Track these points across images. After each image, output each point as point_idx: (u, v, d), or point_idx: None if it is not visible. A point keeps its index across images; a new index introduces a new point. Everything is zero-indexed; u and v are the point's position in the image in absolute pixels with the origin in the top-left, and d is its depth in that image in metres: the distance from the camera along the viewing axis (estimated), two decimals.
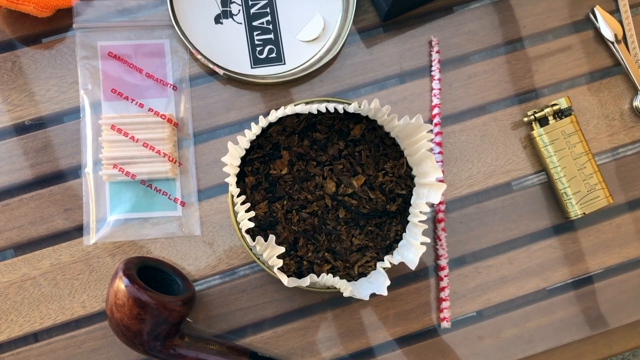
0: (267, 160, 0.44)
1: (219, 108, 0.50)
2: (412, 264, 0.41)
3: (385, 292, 0.40)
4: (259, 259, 0.44)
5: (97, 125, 0.48)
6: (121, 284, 0.40)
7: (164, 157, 0.47)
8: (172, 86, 0.49)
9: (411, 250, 0.41)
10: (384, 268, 0.42)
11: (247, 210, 0.42)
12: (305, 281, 0.39)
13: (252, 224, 0.38)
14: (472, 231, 0.51)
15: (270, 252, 0.39)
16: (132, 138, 0.47)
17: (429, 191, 0.41)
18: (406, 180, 0.45)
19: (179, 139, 0.49)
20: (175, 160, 0.48)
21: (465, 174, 0.51)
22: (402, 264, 0.49)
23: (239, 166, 0.42)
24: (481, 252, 0.51)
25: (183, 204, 0.48)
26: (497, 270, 0.50)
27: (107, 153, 0.47)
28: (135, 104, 0.49)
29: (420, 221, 0.45)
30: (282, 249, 0.38)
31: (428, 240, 0.41)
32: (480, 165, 0.51)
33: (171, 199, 0.48)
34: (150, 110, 0.48)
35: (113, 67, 0.49)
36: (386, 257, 0.42)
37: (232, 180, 0.39)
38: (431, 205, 0.49)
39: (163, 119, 0.48)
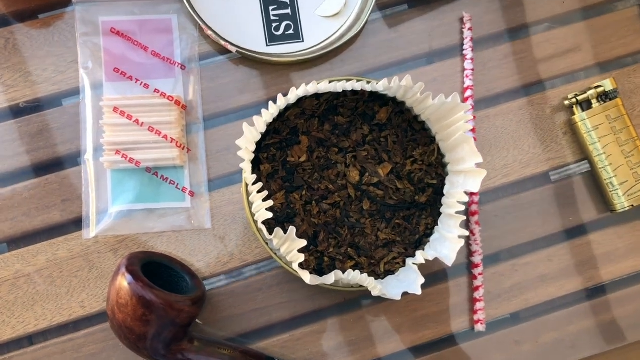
0: (285, 147, 0.42)
1: (231, 90, 0.48)
2: (449, 260, 0.38)
3: (419, 291, 0.38)
4: (276, 254, 0.41)
5: (98, 108, 0.46)
6: (124, 281, 0.38)
7: (171, 142, 0.45)
8: (180, 65, 0.48)
9: (446, 244, 0.38)
10: (416, 264, 0.40)
11: (265, 199, 0.40)
12: (329, 278, 0.37)
13: (269, 214, 0.36)
14: (508, 225, 0.49)
15: (290, 246, 0.36)
16: (137, 122, 0.46)
17: (465, 179, 0.39)
18: (437, 169, 0.42)
19: (187, 123, 0.47)
20: (184, 147, 0.46)
21: (500, 162, 0.49)
22: (431, 260, 0.47)
23: (253, 152, 0.40)
24: (518, 249, 0.49)
25: (192, 194, 0.46)
26: (535, 269, 0.49)
27: (109, 138, 0.45)
28: (140, 84, 0.47)
29: (457, 212, 0.43)
30: (303, 242, 0.36)
31: (466, 233, 0.39)
32: (516, 153, 0.49)
33: (179, 189, 0.46)
34: (156, 91, 0.47)
35: (116, 45, 0.47)
36: (418, 252, 0.39)
37: (247, 167, 0.37)
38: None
39: (170, 101, 0.46)
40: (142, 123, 0.46)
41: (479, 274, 0.48)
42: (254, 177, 0.37)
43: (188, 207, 0.46)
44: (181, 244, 0.47)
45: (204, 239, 0.47)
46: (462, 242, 0.38)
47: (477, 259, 0.48)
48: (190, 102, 0.47)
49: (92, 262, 0.47)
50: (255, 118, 0.38)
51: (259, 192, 0.38)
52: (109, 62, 0.47)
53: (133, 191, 0.46)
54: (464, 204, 0.47)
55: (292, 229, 0.35)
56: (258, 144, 0.41)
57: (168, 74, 0.47)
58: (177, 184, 0.46)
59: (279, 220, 0.41)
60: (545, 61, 0.50)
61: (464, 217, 0.39)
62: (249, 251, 0.47)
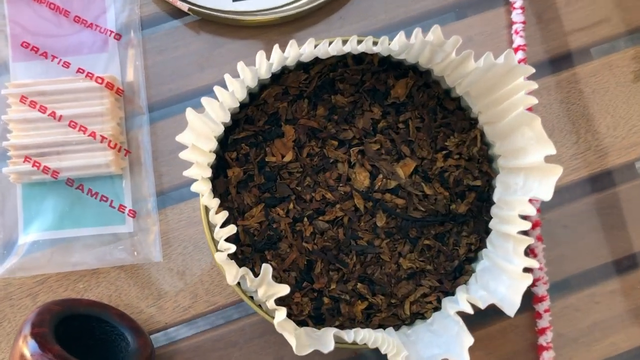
0: (261, 142, 0.39)
1: (187, 66, 0.47)
2: (511, 308, 0.32)
3: (466, 357, 0.32)
4: (252, 299, 0.38)
5: (0, 98, 0.45)
6: (25, 350, 0.35)
7: (102, 142, 0.44)
8: (114, 35, 0.46)
9: (502, 280, 0.34)
10: (459, 312, 0.36)
11: (225, 224, 0.37)
12: (328, 344, 0.33)
13: (231, 248, 0.33)
14: (582, 239, 0.46)
15: (267, 291, 0.33)
16: (53, 115, 0.43)
17: (527, 179, 0.34)
18: (482, 165, 0.39)
19: (126, 115, 0.45)
20: (121, 148, 0.44)
21: (567, 151, 0.46)
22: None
23: (215, 151, 0.37)
24: (598, 272, 0.46)
25: (133, 214, 0.44)
26: (624, 300, 0.45)
27: (15, 140, 0.43)
28: (59, 63, 0.45)
29: (519, 232, 0.37)
30: (285, 289, 0.32)
31: (536, 264, 0.32)
32: (589, 138, 0.47)
33: (114, 208, 0.44)
34: (80, 71, 0.45)
35: (24, 11, 0.45)
36: (460, 292, 0.36)
37: (197, 173, 0.33)
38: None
39: (100, 85, 0.44)
40: (61, 117, 0.43)
41: (545, 311, 0.44)
42: (212, 198, 0.34)
43: (129, 232, 0.44)
44: (124, 283, 0.45)
45: (155, 275, 0.45)
46: (529, 278, 0.32)
47: (542, 289, 0.44)
48: (129, 84, 0.46)
49: (3, 314, 0.44)
50: (218, 91, 0.34)
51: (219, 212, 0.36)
52: (15, 35, 0.45)
53: (51, 213, 0.44)
54: (528, 218, 0.44)
55: (266, 269, 0.32)
56: (224, 138, 0.39)
57: (97, 47, 0.46)
58: (112, 201, 0.44)
59: (257, 247, 0.38)
60: (626, 8, 0.49)
61: (531, 240, 0.33)
62: (218, 290, 0.44)
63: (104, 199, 0.44)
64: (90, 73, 0.44)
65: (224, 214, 0.35)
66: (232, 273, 0.32)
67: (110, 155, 0.43)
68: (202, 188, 0.33)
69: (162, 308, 0.45)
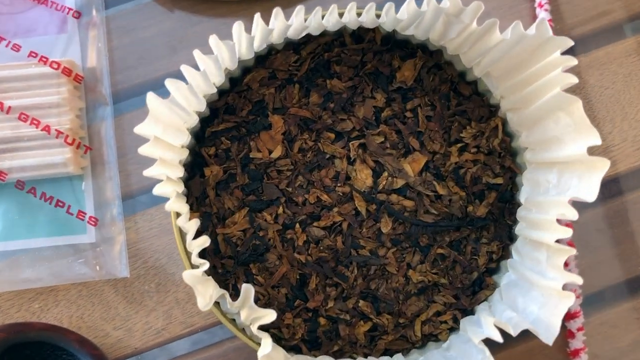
0: (244, 135, 0.39)
1: (158, 48, 0.46)
2: (548, 333, 0.29)
3: None
4: (234, 321, 0.36)
5: None
6: None
7: (57, 137, 0.42)
8: (72, 12, 0.45)
9: (534, 296, 0.32)
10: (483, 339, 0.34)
11: (201, 233, 0.36)
12: None
13: (203, 265, 0.31)
14: (619, 245, 0.45)
15: (250, 314, 0.31)
16: (1, 107, 0.42)
17: (560, 177, 0.33)
18: (503, 159, 0.38)
19: (87, 106, 0.44)
20: (81, 144, 0.43)
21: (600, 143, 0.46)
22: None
23: (188, 146, 0.36)
24: (637, 282, 0.45)
25: (95, 221, 0.43)
26: None
27: None
28: (7, 45, 0.44)
29: (557, 240, 0.34)
30: (270, 315, 0.30)
31: (579, 280, 0.29)
32: (625, 127, 0.46)
33: (73, 214, 0.43)
34: (32, 55, 0.44)
35: None
36: (482, 312, 0.35)
37: (164, 173, 0.31)
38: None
39: (56, 70, 0.43)
40: (10, 108, 0.42)
41: (579, 329, 0.43)
42: (183, 206, 0.32)
43: (90, 243, 0.42)
44: (86, 302, 0.43)
45: (123, 293, 0.44)
46: (571, 298, 0.29)
47: (575, 304, 0.43)
48: (90, 70, 0.45)
49: None
50: (186, 72, 0.32)
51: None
52: None
53: None
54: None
55: (246, 291, 0.30)
56: (200, 131, 0.38)
57: (53, 27, 0.45)
58: (70, 207, 0.43)
59: (240, 260, 0.37)
60: None
61: (573, 251, 0.30)
62: (197, 309, 0.43)
63: (60, 204, 0.43)
64: (45, 57, 0.43)
65: (196, 222, 0.33)
66: (205, 296, 0.28)
67: (67, 153, 0.42)
68: (167, 190, 0.30)
69: (131, 331, 0.43)
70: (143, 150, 0.29)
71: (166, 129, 0.31)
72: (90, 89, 0.45)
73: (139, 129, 0.29)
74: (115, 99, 0.45)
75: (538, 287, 0.32)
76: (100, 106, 0.44)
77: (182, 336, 0.43)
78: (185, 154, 0.34)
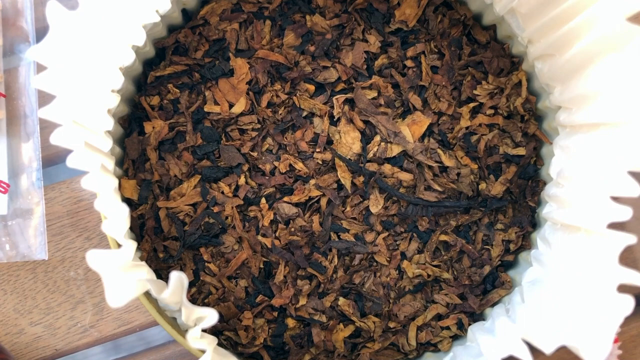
0: (198, 82, 0.36)
1: None
2: (596, 354, 0.25)
3: None
4: (175, 321, 0.33)
5: None
6: None
7: None
8: None
9: (574, 302, 0.28)
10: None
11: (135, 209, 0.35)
12: None
13: (128, 246, 0.28)
14: None
15: (189, 314, 0.28)
16: None
17: (607, 143, 0.28)
18: (527, 124, 0.36)
19: (4, 44, 0.41)
20: None
21: None
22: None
23: (122, 93, 0.33)
24: None
25: (5, 188, 0.40)
26: None
27: None
28: None
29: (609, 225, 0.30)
30: (210, 317, 0.26)
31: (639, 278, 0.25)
32: None
33: None
34: None
35: None
36: (502, 323, 0.31)
37: (72, 134, 0.26)
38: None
39: None
40: None
41: (615, 341, 0.40)
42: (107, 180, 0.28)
43: (1, 215, 0.39)
44: None
45: (43, 279, 0.40)
46: (630, 303, 0.25)
47: None
48: (10, 2, 0.41)
49: None
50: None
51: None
52: None
53: None
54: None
55: (177, 279, 0.26)
56: (139, 76, 0.35)
57: None
58: None
59: (187, 242, 0.35)
60: None
61: (634, 239, 0.26)
62: (135, 303, 0.40)
63: None
64: None
65: (124, 210, 0.28)
66: (119, 288, 0.22)
67: None
68: (84, 162, 0.25)
69: (52, 327, 0.39)
70: (37, 83, 0.22)
71: (86, 70, 0.25)
72: (9, 24, 0.40)
73: (31, 54, 0.23)
74: (39, 36, 0.41)
75: (578, 288, 0.26)
76: (20, 44, 0.40)
77: (116, 336, 0.40)
78: (115, 101, 0.29)
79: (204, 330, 0.32)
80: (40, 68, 0.42)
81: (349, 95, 0.35)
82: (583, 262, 0.28)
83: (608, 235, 0.26)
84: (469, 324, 0.35)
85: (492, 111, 0.36)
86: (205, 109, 0.35)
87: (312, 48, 0.36)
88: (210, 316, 0.26)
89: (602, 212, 0.26)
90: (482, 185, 0.36)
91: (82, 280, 0.40)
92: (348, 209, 0.36)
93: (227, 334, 0.33)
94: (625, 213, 0.26)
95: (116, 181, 0.27)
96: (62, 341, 0.39)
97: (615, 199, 0.27)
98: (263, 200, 0.35)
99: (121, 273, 0.22)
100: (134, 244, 0.26)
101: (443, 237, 0.36)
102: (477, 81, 0.36)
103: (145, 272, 0.26)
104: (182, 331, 0.33)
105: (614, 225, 0.27)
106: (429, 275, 0.35)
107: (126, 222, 0.25)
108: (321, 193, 0.35)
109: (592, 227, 0.27)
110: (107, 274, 0.21)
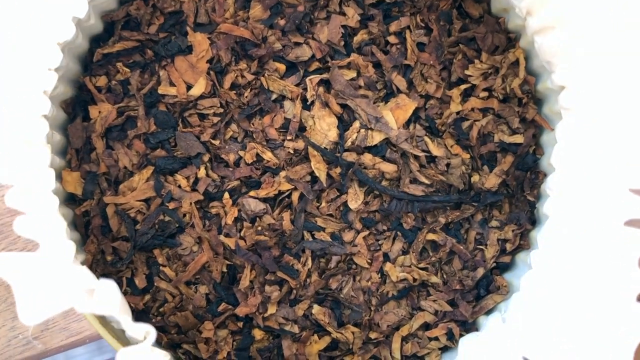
0: (152, 61, 0.34)
1: None
2: None
3: None
4: (118, 336, 0.30)
5: None
6: None
7: None
8: None
9: (586, 311, 0.26)
10: None
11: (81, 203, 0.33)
12: None
13: (54, 249, 0.27)
14: None
15: (130, 329, 0.26)
16: None
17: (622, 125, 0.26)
18: (525, 109, 0.34)
19: None
20: None
21: None
22: None
23: (64, 73, 0.30)
24: None
25: None
26: None
27: None
28: None
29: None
30: (150, 335, 0.24)
31: None
32: None
33: None
34: None
35: None
36: (497, 338, 0.30)
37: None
38: None
39: None
40: None
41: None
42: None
43: None
44: None
45: None
46: None
47: None
48: None
49: None
50: None
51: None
52: None
53: None
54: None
55: (106, 288, 0.24)
56: (86, 54, 0.33)
57: None
58: None
59: (139, 243, 0.33)
60: None
61: None
62: (79, 316, 0.39)
63: None
64: None
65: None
66: (29, 301, 0.20)
67: None
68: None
69: None
70: None
71: (15, 43, 0.23)
72: None
73: None
74: None
75: (589, 296, 0.25)
76: None
77: (63, 348, 0.38)
78: (53, 80, 0.26)
79: (159, 343, 0.30)
80: None
81: (324, 76, 0.33)
82: (595, 266, 0.25)
83: (626, 234, 0.24)
84: (460, 335, 0.33)
85: (485, 94, 0.34)
86: (160, 91, 0.32)
87: (282, 22, 0.33)
88: (149, 333, 0.24)
89: (619, 207, 0.24)
90: (475, 178, 0.34)
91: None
92: (323, 204, 0.34)
93: (186, 347, 0.31)
94: None
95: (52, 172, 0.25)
96: (1, 356, 0.38)
97: (636, 191, 0.24)
98: (226, 195, 0.33)
99: (39, 283, 0.19)
100: (71, 245, 0.23)
101: (431, 236, 0.33)
102: (469, 60, 0.34)
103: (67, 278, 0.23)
104: (132, 344, 0.30)
105: (634, 223, 0.24)
106: (415, 279, 0.33)
107: (55, 217, 0.22)
108: (293, 187, 0.33)
109: (605, 224, 0.24)
110: (19, 284, 0.18)
